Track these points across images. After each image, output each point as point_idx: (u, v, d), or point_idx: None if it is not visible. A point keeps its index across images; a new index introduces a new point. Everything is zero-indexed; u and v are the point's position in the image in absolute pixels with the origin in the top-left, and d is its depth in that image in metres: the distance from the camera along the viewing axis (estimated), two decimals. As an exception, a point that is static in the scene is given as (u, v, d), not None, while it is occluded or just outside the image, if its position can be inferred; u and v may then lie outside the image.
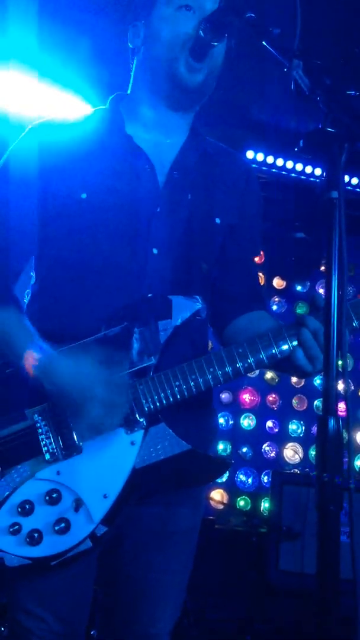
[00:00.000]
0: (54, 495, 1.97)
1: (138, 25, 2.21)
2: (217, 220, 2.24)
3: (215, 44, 2.08)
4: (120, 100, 2.29)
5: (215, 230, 2.24)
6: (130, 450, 2.00)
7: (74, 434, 2.01)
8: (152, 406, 2.01)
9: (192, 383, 2.01)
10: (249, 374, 6.53)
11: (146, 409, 2.01)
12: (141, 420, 2.01)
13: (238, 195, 2.30)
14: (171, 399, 2.01)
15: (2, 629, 4.01)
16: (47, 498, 1.97)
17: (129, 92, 2.29)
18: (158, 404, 2.01)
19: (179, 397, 2.01)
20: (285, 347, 2.01)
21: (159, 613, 2.17)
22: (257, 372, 6.55)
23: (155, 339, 2.03)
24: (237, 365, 2.02)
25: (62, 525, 1.96)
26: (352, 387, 6.63)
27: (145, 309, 2.06)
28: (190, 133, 2.27)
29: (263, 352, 2.02)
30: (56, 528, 1.95)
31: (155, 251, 2.13)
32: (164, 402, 2.00)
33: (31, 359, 1.97)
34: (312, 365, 2.00)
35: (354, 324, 2.01)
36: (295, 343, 2.01)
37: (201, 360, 2.03)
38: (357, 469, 6.42)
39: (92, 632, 3.56)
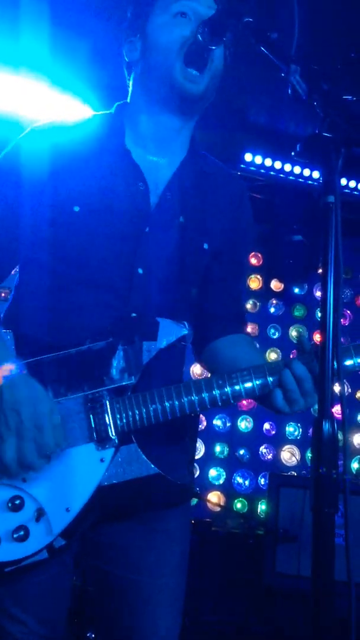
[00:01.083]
0: (17, 502, 1.96)
1: (134, 41, 2.22)
2: (205, 246, 2.24)
3: (213, 47, 2.08)
4: (124, 108, 2.28)
5: (202, 255, 2.24)
6: (98, 466, 1.98)
7: None
8: (125, 426, 1.99)
9: (167, 407, 2.00)
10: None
11: (119, 427, 2.00)
12: (113, 437, 1.99)
13: (229, 219, 2.30)
14: (145, 421, 2.00)
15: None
16: (9, 504, 1.95)
17: (128, 100, 2.29)
18: (132, 424, 1.99)
19: (153, 419, 2.00)
20: (265, 385, 2.01)
21: (157, 621, 2.13)
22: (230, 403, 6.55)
23: (138, 359, 2.03)
24: (214, 394, 2.01)
25: (21, 533, 1.93)
26: (349, 390, 6.64)
27: (132, 328, 2.05)
28: (189, 149, 2.26)
29: (242, 386, 2.01)
30: (15, 535, 1.93)
31: (140, 271, 2.13)
32: (138, 423, 2.00)
33: (5, 370, 1.95)
34: (290, 408, 2.01)
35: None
36: (274, 381, 2.00)
37: (180, 386, 2.02)
38: (354, 472, 6.42)
39: (88, 634, 3.56)
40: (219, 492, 6.22)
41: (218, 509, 5.88)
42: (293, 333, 6.72)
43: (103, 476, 1.98)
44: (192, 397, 2.01)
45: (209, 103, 2.23)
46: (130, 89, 2.28)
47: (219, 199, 2.29)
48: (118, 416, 2.00)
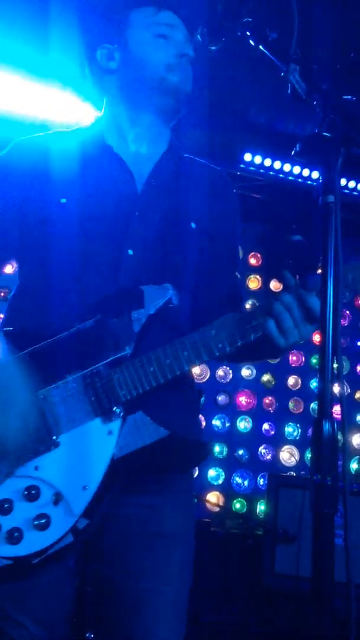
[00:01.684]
0: (33, 491, 1.96)
1: (109, 48, 2.29)
2: (193, 225, 2.29)
3: (213, 48, 2.10)
4: (99, 120, 2.38)
5: (191, 234, 2.29)
6: (108, 440, 1.99)
7: (51, 428, 2.01)
8: (128, 394, 2.01)
9: (166, 368, 2.01)
10: (245, 376, 6.54)
11: (122, 397, 2.01)
12: (117, 409, 2.01)
13: (214, 204, 2.36)
14: (147, 386, 2.01)
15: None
16: (25, 494, 1.96)
17: (101, 109, 2.38)
18: (134, 391, 2.01)
19: (154, 383, 2.01)
20: (257, 324, 2.02)
21: (157, 626, 2.11)
22: (253, 374, 6.56)
23: (129, 329, 2.04)
24: (211, 347, 2.02)
25: (43, 520, 1.94)
26: (348, 390, 6.64)
27: (118, 301, 2.08)
28: (168, 146, 2.35)
29: (235, 331, 2.02)
30: (35, 523, 1.94)
31: (130, 252, 2.18)
32: (140, 389, 2.01)
33: None
34: (285, 339, 2.00)
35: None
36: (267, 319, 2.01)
37: (175, 344, 2.03)
38: (353, 472, 6.42)
39: (87, 635, 3.55)
40: (217, 492, 6.22)
41: (217, 509, 5.87)
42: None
43: (115, 448, 1.99)
44: (189, 353, 2.02)
45: (183, 113, 2.32)
46: (105, 96, 2.36)
47: (202, 186, 2.36)
48: (118, 386, 2.01)
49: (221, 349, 2.02)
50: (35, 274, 2.23)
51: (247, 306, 6.48)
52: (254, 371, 6.56)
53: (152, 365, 2.01)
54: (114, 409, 2.01)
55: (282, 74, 1.70)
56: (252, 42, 1.83)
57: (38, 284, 2.21)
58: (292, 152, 1.68)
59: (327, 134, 1.60)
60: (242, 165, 5.53)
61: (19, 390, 2.00)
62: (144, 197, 2.25)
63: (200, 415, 6.00)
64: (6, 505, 1.96)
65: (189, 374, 2.24)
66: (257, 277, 6.67)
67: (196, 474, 6.18)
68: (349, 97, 1.62)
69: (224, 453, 6.35)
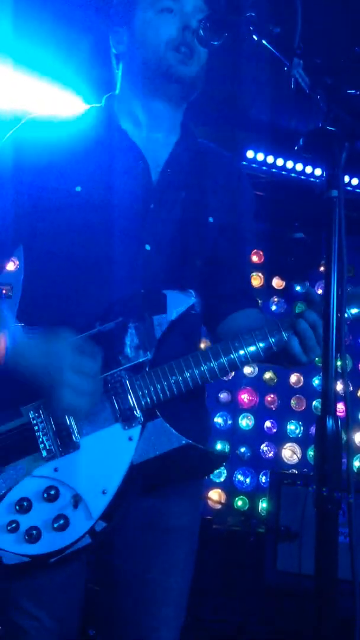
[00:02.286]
0: (52, 492, 1.97)
1: (120, 32, 2.24)
2: (210, 219, 2.25)
3: (215, 43, 2.08)
4: (113, 99, 2.31)
5: (209, 229, 2.25)
6: (128, 445, 2.00)
7: (72, 430, 2.01)
8: (149, 401, 2.01)
9: (188, 377, 2.01)
10: (247, 374, 6.53)
11: (143, 403, 2.01)
12: (138, 415, 2.01)
13: (230, 194, 2.32)
14: (168, 394, 2.01)
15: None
16: (45, 495, 1.97)
17: (117, 93, 2.31)
18: (155, 398, 2.01)
19: (175, 391, 2.02)
20: (280, 338, 2.02)
21: (160, 617, 2.14)
22: (255, 372, 6.55)
23: (151, 334, 2.03)
24: (233, 357, 2.02)
25: (61, 522, 1.95)
26: (351, 388, 6.63)
27: (140, 304, 2.06)
28: (182, 132, 2.29)
29: (258, 344, 2.02)
30: (55, 525, 1.95)
31: (148, 247, 2.14)
32: (161, 396, 2.01)
33: (2, 340, 1.98)
34: (307, 356, 2.01)
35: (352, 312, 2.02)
36: (290, 333, 2.01)
37: (197, 354, 2.03)
38: (356, 470, 6.41)
39: (89, 631, 3.56)
40: (219, 490, 6.21)
41: (219, 506, 5.87)
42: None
43: (134, 454, 1.99)
44: (211, 364, 2.02)
45: (197, 92, 2.24)
46: (118, 79, 2.30)
47: (217, 176, 2.31)
48: (140, 393, 2.01)
49: (244, 362, 2.03)
50: (48, 266, 2.16)
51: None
52: (256, 369, 6.55)
53: (174, 374, 2.02)
54: (135, 415, 2.01)
55: (286, 68, 1.69)
56: (255, 37, 1.81)
57: (52, 276, 2.15)
58: (296, 147, 1.67)
59: (330, 129, 1.59)
60: (244, 162, 5.53)
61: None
62: (160, 188, 2.19)
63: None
64: (25, 504, 1.97)
65: (204, 392, 2.25)
66: (259, 274, 6.66)
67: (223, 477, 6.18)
68: (353, 91, 1.61)
69: (226, 450, 6.34)
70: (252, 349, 2.02)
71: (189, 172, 2.25)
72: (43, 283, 2.17)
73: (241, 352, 2.02)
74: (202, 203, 2.25)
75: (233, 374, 6.37)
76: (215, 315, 2.31)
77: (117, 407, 2.01)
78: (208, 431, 2.33)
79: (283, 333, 2.02)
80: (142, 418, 2.01)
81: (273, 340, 2.02)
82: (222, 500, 6.10)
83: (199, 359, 2.02)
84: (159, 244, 2.16)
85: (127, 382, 2.02)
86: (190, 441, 2.00)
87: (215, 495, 6.14)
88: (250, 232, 2.41)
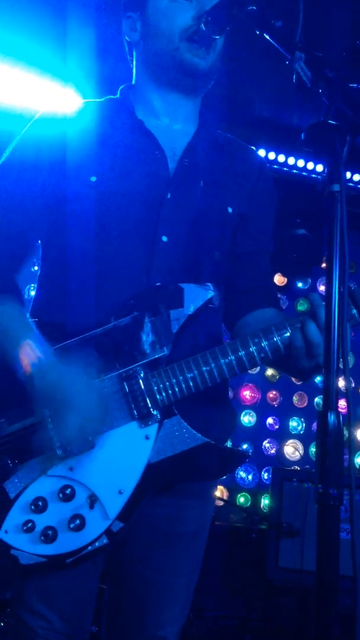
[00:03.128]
0: (67, 491, 1.93)
1: (133, 17, 2.18)
2: (229, 209, 2.20)
3: (217, 37, 2.06)
4: (128, 89, 2.27)
5: (227, 219, 2.20)
6: (144, 444, 1.94)
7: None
8: (165, 399, 1.95)
9: (206, 374, 1.95)
10: (249, 371, 6.53)
11: (159, 401, 1.95)
12: (155, 413, 1.95)
13: (250, 186, 2.27)
14: (185, 391, 1.95)
15: (2, 624, 4.00)
16: (60, 495, 1.93)
17: (133, 82, 2.28)
18: (172, 396, 1.95)
19: (193, 388, 1.95)
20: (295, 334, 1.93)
21: (166, 615, 2.13)
22: (257, 368, 6.55)
23: (167, 329, 1.97)
24: (252, 350, 1.94)
25: (77, 522, 1.91)
26: (353, 384, 6.63)
27: (156, 298, 2.00)
28: (200, 122, 2.25)
29: (278, 337, 1.94)
30: (71, 525, 1.91)
31: (165, 239, 2.09)
32: (178, 394, 1.95)
33: (31, 353, 1.93)
34: (308, 361, 1.93)
35: (353, 312, 1.96)
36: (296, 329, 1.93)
37: (215, 350, 1.96)
38: (358, 466, 6.41)
39: (92, 629, 3.55)
40: (222, 487, 6.22)
41: (221, 503, 5.87)
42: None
43: (151, 453, 1.93)
44: (229, 359, 1.95)
45: (212, 82, 2.20)
46: (134, 68, 2.27)
47: (237, 167, 2.26)
48: (156, 390, 1.95)
49: (264, 358, 1.95)
50: (64, 259, 2.12)
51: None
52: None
53: (191, 370, 1.95)
54: (152, 412, 1.95)
55: (288, 62, 1.68)
56: (256, 31, 1.80)
57: (66, 270, 2.11)
58: (298, 141, 1.65)
59: (332, 122, 1.58)
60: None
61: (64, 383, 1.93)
62: (177, 178, 2.14)
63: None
64: (40, 504, 1.93)
65: (225, 383, 2.18)
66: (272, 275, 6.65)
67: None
68: (355, 85, 1.60)
69: (248, 450, 6.35)
70: (273, 340, 1.93)
71: (207, 162, 2.20)
72: (59, 277, 2.13)
73: (260, 345, 1.94)
74: (220, 193, 2.20)
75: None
76: (234, 311, 2.25)
77: (132, 404, 1.96)
78: (230, 429, 2.25)
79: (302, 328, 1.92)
80: (159, 416, 1.95)
81: (294, 327, 1.93)
82: (225, 497, 6.11)
83: (217, 356, 1.95)
84: (176, 236, 2.10)
85: (143, 378, 1.96)
86: (208, 440, 1.93)
87: (217, 492, 6.14)
88: (271, 227, 2.34)
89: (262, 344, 1.94)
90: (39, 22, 4.21)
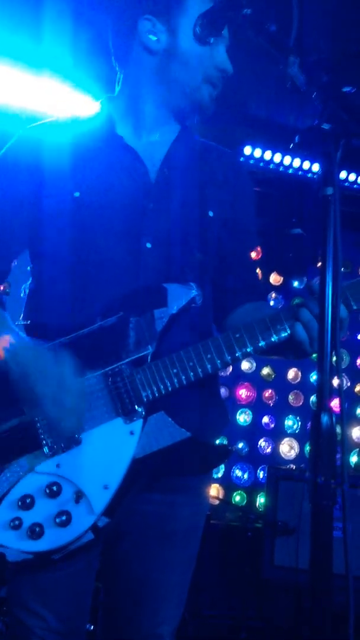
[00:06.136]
0: (54, 488, 1.96)
1: (157, 26, 2.15)
2: (210, 213, 2.25)
3: (212, 39, 2.08)
4: (110, 102, 2.30)
5: (209, 223, 2.25)
6: (129, 440, 1.99)
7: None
8: (150, 395, 2.00)
9: (189, 370, 2.00)
10: (244, 369, 6.54)
11: (144, 397, 2.00)
12: (139, 409, 2.00)
13: (229, 189, 2.31)
14: (169, 387, 2.00)
15: (-1, 623, 4.02)
16: (47, 491, 1.96)
17: (124, 89, 2.28)
18: (157, 392, 2.00)
19: (177, 384, 2.00)
20: (283, 331, 2.00)
21: (162, 613, 2.15)
22: (253, 367, 6.56)
23: (152, 328, 2.02)
24: (235, 350, 2.01)
25: (63, 517, 1.94)
26: (348, 384, 6.64)
27: (141, 299, 2.05)
28: (180, 130, 2.29)
29: (260, 337, 2.01)
30: (57, 521, 1.94)
31: (149, 245, 2.14)
32: (162, 390, 2.00)
33: (3, 341, 1.98)
34: (311, 346, 1.99)
35: (354, 307, 1.99)
36: (294, 322, 1.99)
37: (198, 346, 2.02)
38: (352, 465, 6.43)
39: (88, 627, 3.57)
40: (217, 485, 6.23)
41: (217, 501, 5.88)
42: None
43: (136, 449, 1.98)
44: (211, 355, 2.01)
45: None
46: (134, 70, 2.24)
47: (215, 172, 2.31)
48: (140, 386, 2.00)
49: (245, 352, 2.01)
50: (52, 270, 2.18)
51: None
52: (254, 364, 6.56)
53: (175, 366, 2.00)
54: (136, 409, 2.00)
55: (282, 66, 1.69)
56: (251, 34, 1.81)
57: (56, 279, 2.17)
58: (291, 145, 1.67)
59: (326, 126, 1.59)
60: (241, 158, 5.52)
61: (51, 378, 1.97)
62: (158, 187, 2.19)
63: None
64: (28, 501, 1.96)
65: (214, 377, 2.22)
66: (258, 270, 6.66)
67: (221, 472, 6.20)
68: (349, 88, 1.61)
69: (226, 444, 6.36)
70: (254, 342, 2.01)
71: (186, 169, 2.25)
72: (48, 284, 2.19)
73: (244, 345, 2.01)
74: (201, 198, 2.25)
75: (231, 369, 6.38)
76: (222, 308, 2.30)
77: (117, 401, 2.01)
78: (221, 425, 2.28)
79: (286, 323, 1.99)
80: (143, 412, 2.00)
81: (275, 333, 2.00)
82: (220, 496, 6.12)
83: (200, 352, 2.01)
84: (159, 241, 2.16)
85: (128, 375, 2.01)
86: (191, 434, 1.98)
87: (213, 490, 6.15)
88: (254, 226, 2.40)
89: (246, 345, 2.01)
90: (34, 21, 4.20)
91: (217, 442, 2.37)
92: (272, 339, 2.01)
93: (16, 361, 1.96)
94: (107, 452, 1.99)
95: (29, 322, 2.15)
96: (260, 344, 2.01)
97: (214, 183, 2.29)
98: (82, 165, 2.17)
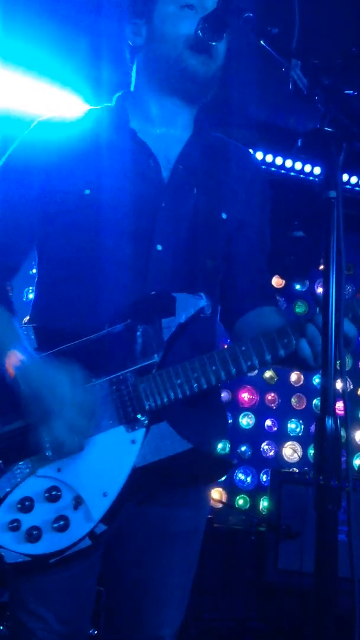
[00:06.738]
0: (54, 492, 1.96)
1: (138, 24, 2.20)
2: (224, 215, 2.22)
3: (214, 43, 2.08)
4: (125, 97, 2.29)
5: (222, 226, 2.22)
6: (131, 448, 1.98)
7: None
8: (153, 404, 1.99)
9: (194, 381, 1.99)
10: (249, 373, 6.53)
11: (147, 407, 1.99)
12: (142, 418, 1.99)
13: (244, 189, 2.28)
14: (172, 397, 1.98)
15: (1, 627, 4.02)
16: (46, 495, 1.96)
17: (132, 89, 2.29)
18: (159, 402, 1.99)
19: (180, 395, 1.99)
20: (289, 346, 1.98)
21: (163, 615, 2.15)
22: (256, 371, 6.56)
23: (159, 337, 2.01)
24: (240, 364, 1.99)
25: (61, 522, 1.94)
26: (351, 387, 6.63)
27: (149, 307, 2.03)
28: (195, 127, 2.26)
29: (267, 351, 1.99)
30: (55, 525, 1.94)
31: (159, 247, 2.12)
32: (165, 400, 1.99)
33: (14, 358, 1.96)
34: (316, 362, 1.95)
35: None
36: (299, 337, 1.96)
37: (203, 358, 2.00)
38: (356, 468, 6.42)
39: (91, 631, 3.56)
40: (220, 489, 6.22)
41: (220, 505, 5.88)
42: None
43: (137, 458, 1.97)
44: (217, 368, 1.99)
45: (213, 92, 2.22)
46: (133, 74, 2.28)
47: (231, 171, 2.28)
48: (144, 395, 1.99)
49: (250, 366, 2.00)
50: (59, 269, 2.16)
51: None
52: (257, 368, 6.55)
53: (179, 377, 1.99)
54: (139, 417, 1.99)
55: (284, 69, 1.69)
56: (253, 37, 1.81)
57: (64, 280, 2.15)
58: (294, 148, 1.67)
59: (328, 129, 1.59)
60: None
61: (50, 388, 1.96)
62: (171, 185, 2.16)
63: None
64: (27, 504, 1.96)
65: (217, 389, 2.21)
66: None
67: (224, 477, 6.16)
68: (351, 92, 1.61)
69: (227, 449, 6.35)
70: (260, 356, 1.99)
71: (201, 168, 2.22)
72: (55, 285, 2.17)
73: (249, 359, 1.98)
74: (214, 199, 2.22)
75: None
76: (231, 314, 2.28)
77: (120, 409, 1.99)
78: (220, 433, 2.27)
79: (292, 338, 1.97)
80: (146, 421, 1.99)
81: (281, 347, 1.98)
82: (223, 499, 6.11)
83: (205, 364, 1.99)
84: (170, 244, 2.13)
85: (132, 384, 2.00)
86: (194, 446, 1.97)
87: (216, 494, 6.14)
88: (267, 227, 2.36)
89: (252, 359, 1.99)
90: (39, 26, 4.22)
91: (219, 450, 2.36)
92: (279, 353, 1.99)
93: (26, 381, 1.95)
94: (108, 460, 1.99)
95: (36, 325, 2.12)
96: (266, 358, 1.99)
97: (229, 183, 2.26)
98: (93, 161, 2.15)
